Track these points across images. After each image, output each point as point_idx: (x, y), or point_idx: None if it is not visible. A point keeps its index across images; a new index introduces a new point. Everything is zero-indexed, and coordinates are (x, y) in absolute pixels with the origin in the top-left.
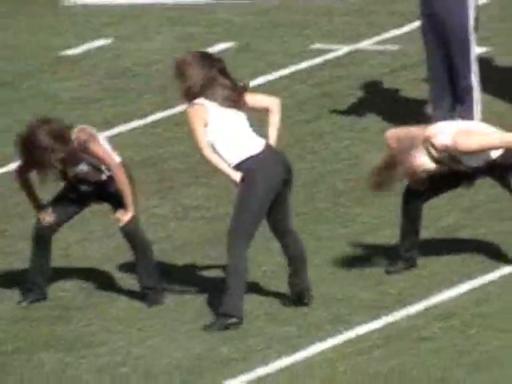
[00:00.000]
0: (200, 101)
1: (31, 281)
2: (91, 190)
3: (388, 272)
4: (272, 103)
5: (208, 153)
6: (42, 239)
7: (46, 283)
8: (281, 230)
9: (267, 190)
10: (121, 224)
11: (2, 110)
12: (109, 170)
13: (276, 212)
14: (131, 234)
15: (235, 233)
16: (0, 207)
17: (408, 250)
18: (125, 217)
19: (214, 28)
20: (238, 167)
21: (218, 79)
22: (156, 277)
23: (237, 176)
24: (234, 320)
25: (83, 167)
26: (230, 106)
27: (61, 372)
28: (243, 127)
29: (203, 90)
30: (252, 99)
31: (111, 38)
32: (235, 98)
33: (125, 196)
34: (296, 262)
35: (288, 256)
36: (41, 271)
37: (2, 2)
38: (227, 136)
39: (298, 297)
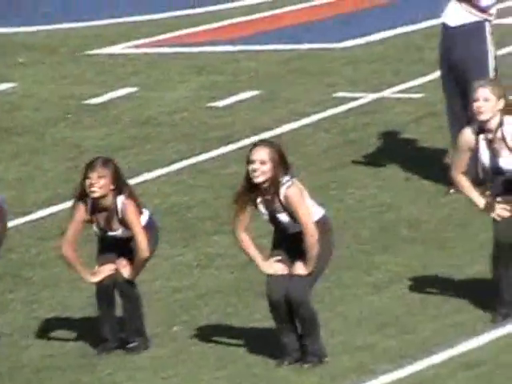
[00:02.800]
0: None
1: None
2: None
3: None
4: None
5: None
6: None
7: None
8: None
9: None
10: (125, 274)
11: (26, 158)
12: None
13: None
14: (128, 286)
15: (308, 289)
16: (22, 256)
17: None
18: (127, 269)
19: (238, 76)
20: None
21: None
22: (140, 331)
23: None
24: (324, 360)
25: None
26: None
27: None
28: None
29: None
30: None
31: (135, 87)
32: None
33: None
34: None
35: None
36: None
37: (25, 52)
38: None
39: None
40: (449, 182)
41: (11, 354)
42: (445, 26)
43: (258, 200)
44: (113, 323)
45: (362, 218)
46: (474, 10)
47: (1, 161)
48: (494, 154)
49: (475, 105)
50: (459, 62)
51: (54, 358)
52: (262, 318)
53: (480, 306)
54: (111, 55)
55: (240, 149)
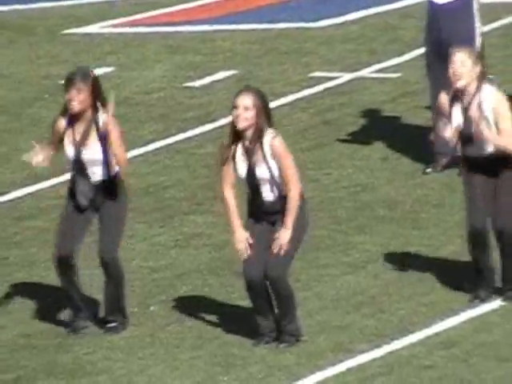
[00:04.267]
0: None
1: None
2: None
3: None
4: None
5: None
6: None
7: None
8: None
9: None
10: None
11: (2, 138)
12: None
13: None
14: (109, 262)
15: (284, 268)
16: None
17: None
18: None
19: (215, 56)
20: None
21: None
22: (121, 311)
23: None
24: (301, 339)
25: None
26: None
27: None
28: None
29: None
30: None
31: (112, 67)
32: None
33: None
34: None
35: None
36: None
37: (1, 32)
38: None
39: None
40: (425, 162)
41: None
42: (431, 4)
43: (239, 152)
44: (81, 295)
45: (338, 198)
46: None
47: None
48: (468, 122)
49: (451, 70)
50: (446, 39)
51: (30, 337)
52: (239, 298)
53: (456, 286)
54: (87, 35)
55: (217, 128)
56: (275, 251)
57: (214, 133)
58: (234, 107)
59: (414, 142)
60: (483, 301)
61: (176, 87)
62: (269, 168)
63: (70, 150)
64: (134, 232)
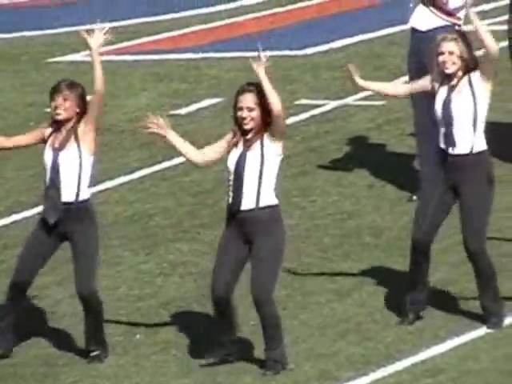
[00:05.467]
0: None
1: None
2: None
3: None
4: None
5: None
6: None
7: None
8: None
9: None
10: None
11: None
12: None
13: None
14: (87, 296)
15: (271, 288)
16: None
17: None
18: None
19: (201, 84)
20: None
21: None
22: (102, 340)
23: None
24: (287, 366)
25: None
26: None
27: None
28: None
29: None
30: None
31: None
32: None
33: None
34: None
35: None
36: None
37: None
38: None
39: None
40: (411, 189)
41: None
42: (414, 31)
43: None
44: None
45: (324, 225)
46: (441, 14)
47: None
48: (449, 102)
49: (440, 59)
50: (426, 67)
51: (17, 366)
52: None
53: (442, 313)
54: (73, 62)
55: None
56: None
57: None
58: (238, 109)
59: (400, 170)
60: (411, 323)
61: (161, 115)
62: (261, 155)
63: (48, 154)
64: (120, 259)
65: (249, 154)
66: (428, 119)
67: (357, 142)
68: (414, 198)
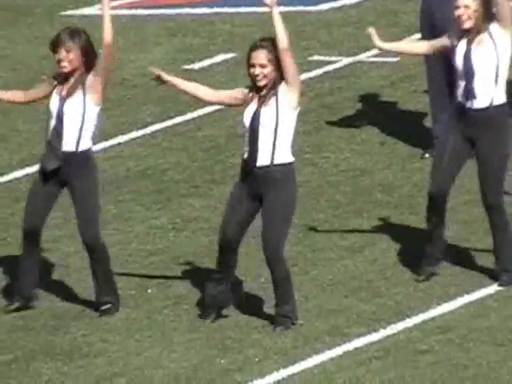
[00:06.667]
0: None
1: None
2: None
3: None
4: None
5: None
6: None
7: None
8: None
9: None
10: None
11: None
12: None
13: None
14: (92, 243)
15: (281, 244)
16: None
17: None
18: None
19: (214, 39)
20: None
21: None
22: (113, 290)
23: None
24: (296, 322)
25: None
26: None
27: (59, 382)
28: None
29: None
30: None
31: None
32: None
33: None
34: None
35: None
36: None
37: None
38: None
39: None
40: (423, 147)
41: None
42: None
43: (255, 99)
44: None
45: (336, 182)
46: None
47: None
48: (470, 54)
49: (456, 13)
50: (440, 22)
51: (27, 319)
52: None
53: (452, 271)
54: (86, 16)
55: (215, 112)
56: None
57: (212, 116)
58: (250, 66)
59: (412, 127)
60: (426, 280)
61: (175, 70)
62: (276, 115)
63: (54, 102)
64: (132, 214)
65: (263, 111)
66: (441, 76)
67: (370, 99)
68: (427, 155)
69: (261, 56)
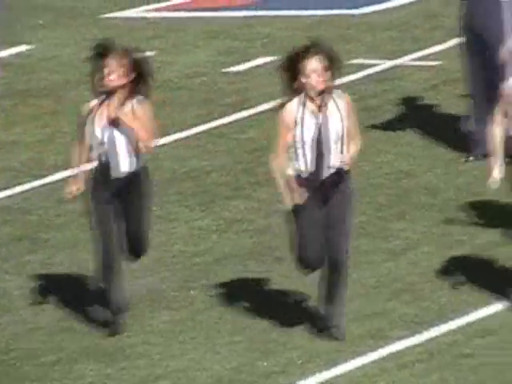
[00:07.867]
0: None
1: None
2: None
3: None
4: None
5: None
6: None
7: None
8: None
9: None
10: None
11: (45, 120)
12: None
13: None
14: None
15: (349, 249)
16: (40, 218)
17: None
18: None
19: (254, 42)
20: None
21: None
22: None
23: None
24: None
25: None
26: None
27: None
28: None
29: None
30: None
31: (154, 51)
32: None
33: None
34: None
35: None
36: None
37: (42, 14)
38: None
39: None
40: (467, 150)
41: (28, 316)
42: None
43: (307, 113)
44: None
45: (379, 184)
46: None
47: (19, 123)
48: None
49: None
50: (481, 28)
51: (71, 320)
52: (279, 284)
53: (495, 274)
54: (129, 18)
55: (255, 115)
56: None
57: (253, 118)
58: (306, 76)
59: (455, 130)
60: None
61: (214, 72)
62: (341, 117)
63: (100, 127)
64: (176, 216)
65: (330, 125)
66: (482, 79)
67: (413, 102)
68: (471, 158)
69: (314, 64)
